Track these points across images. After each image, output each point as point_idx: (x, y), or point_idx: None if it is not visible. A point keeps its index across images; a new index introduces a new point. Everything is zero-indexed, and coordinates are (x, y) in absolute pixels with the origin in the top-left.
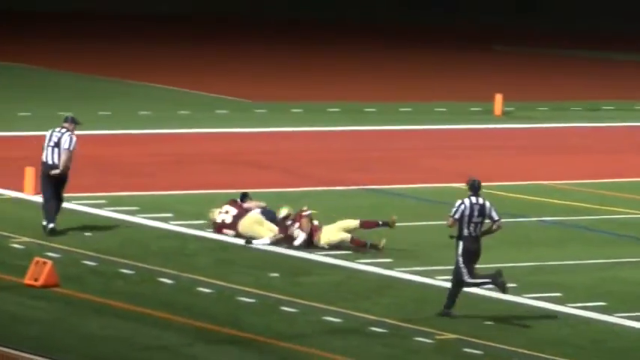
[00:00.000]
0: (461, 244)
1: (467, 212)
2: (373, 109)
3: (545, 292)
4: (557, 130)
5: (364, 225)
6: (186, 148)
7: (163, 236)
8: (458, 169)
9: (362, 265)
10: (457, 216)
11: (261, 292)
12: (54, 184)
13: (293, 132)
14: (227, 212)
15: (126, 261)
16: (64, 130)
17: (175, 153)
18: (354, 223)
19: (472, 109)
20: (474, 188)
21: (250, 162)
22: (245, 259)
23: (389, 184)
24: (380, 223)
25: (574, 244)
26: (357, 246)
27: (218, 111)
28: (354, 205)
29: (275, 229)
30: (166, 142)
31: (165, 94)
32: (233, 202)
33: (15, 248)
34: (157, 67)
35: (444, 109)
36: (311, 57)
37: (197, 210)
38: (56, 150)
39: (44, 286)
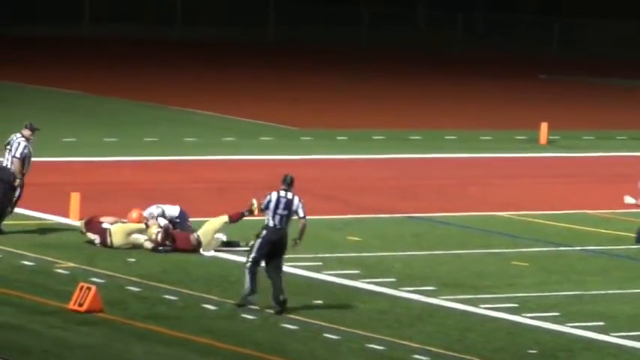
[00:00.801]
0: (264, 232)
1: (272, 204)
2: (418, 137)
3: (589, 322)
4: (603, 158)
5: (232, 218)
6: (230, 174)
7: (207, 263)
8: (503, 198)
9: (405, 293)
10: (263, 207)
11: (305, 319)
12: (6, 188)
13: (338, 159)
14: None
15: (169, 287)
16: (18, 135)
17: (219, 180)
18: (224, 218)
19: (517, 137)
20: (286, 182)
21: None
22: (289, 285)
23: (434, 212)
24: (245, 212)
25: (618, 273)
26: (235, 219)
27: (262, 138)
28: (397, 233)
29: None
30: (210, 168)
31: (210, 121)
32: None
33: (60, 273)
34: (202, 93)
35: (490, 137)
36: (355, 83)
37: (240, 235)
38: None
39: (88, 311)
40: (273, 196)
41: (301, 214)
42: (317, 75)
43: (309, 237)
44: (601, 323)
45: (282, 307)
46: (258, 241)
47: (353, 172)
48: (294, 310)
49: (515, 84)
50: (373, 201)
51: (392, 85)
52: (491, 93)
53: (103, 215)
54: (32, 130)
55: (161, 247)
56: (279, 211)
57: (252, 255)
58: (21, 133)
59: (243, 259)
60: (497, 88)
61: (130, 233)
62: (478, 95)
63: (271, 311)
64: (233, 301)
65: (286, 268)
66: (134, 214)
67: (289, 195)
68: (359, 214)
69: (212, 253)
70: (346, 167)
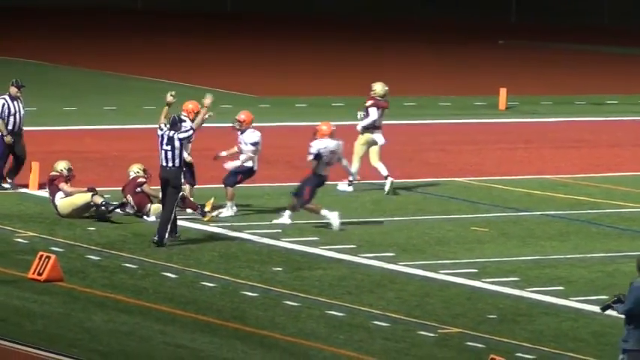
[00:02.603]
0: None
1: (159, 140)
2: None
3: (548, 286)
4: (562, 124)
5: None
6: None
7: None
8: (462, 164)
9: (365, 260)
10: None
11: (265, 287)
12: None
13: (297, 126)
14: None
15: (129, 255)
16: (3, 95)
17: None
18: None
19: (476, 103)
20: (171, 123)
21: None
22: (249, 253)
23: (393, 179)
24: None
25: (577, 238)
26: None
27: (222, 105)
28: (357, 200)
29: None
30: None
31: (170, 89)
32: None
33: (19, 243)
34: (163, 62)
35: (449, 104)
36: (315, 51)
37: (201, 203)
38: None
39: (48, 281)
40: (161, 132)
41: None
42: (273, 43)
43: (270, 205)
44: (560, 288)
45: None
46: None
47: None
48: (254, 277)
49: (473, 50)
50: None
51: (348, 51)
52: (450, 59)
53: (64, 182)
54: (18, 87)
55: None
56: (164, 146)
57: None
58: (8, 92)
59: (206, 227)
60: (456, 54)
61: (76, 207)
62: (436, 61)
63: (229, 278)
64: (194, 269)
65: (245, 235)
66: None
67: (171, 133)
68: None
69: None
70: (305, 134)
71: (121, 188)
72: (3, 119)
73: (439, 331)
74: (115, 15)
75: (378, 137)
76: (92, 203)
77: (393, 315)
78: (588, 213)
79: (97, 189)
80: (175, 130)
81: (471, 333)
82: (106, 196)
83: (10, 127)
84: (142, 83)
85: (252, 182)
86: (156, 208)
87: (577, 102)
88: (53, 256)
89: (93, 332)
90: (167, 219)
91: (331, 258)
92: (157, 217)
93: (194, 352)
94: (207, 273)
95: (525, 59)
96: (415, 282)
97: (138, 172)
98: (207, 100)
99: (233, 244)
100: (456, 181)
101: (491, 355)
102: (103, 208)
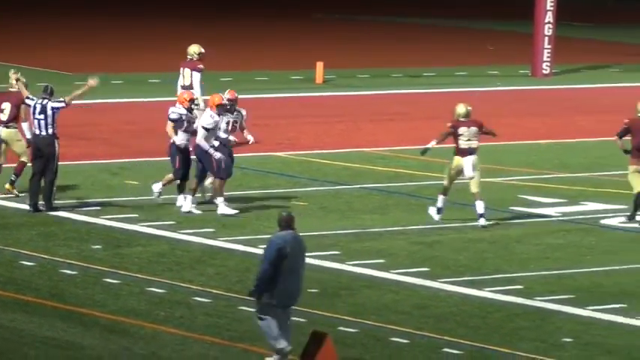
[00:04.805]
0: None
1: (32, 110)
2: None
3: (369, 259)
4: (378, 97)
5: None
6: None
7: None
8: (279, 138)
9: (185, 236)
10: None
11: (84, 264)
12: None
13: (113, 103)
14: None
15: None
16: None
17: None
18: None
19: (293, 77)
20: (45, 92)
21: (70, 134)
22: (67, 231)
23: None
24: None
25: (397, 210)
26: None
27: (38, 84)
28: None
29: None
30: None
31: None
32: None
33: None
34: None
35: (266, 78)
36: (126, 27)
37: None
38: None
39: None
40: (32, 102)
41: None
42: (80, 20)
43: (86, 182)
44: (381, 260)
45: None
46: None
47: (129, 116)
48: (72, 255)
49: (289, 24)
50: (151, 145)
51: (152, 27)
52: (267, 33)
53: None
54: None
55: None
56: (37, 115)
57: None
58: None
59: (26, 205)
60: (272, 28)
61: None
62: (252, 36)
63: (47, 256)
64: (13, 248)
65: (63, 214)
66: None
67: (45, 102)
68: (136, 158)
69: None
70: (122, 111)
71: None
72: None
73: None
74: None
75: None
76: None
77: (214, 291)
78: (407, 185)
79: None
80: (49, 100)
81: (293, 307)
82: None
83: None
84: None
85: (73, 159)
86: None
87: (393, 74)
88: None
89: None
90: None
91: (151, 235)
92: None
93: (14, 332)
94: (26, 252)
95: (341, 33)
96: (235, 257)
97: None
98: (92, 81)
99: (52, 223)
100: (273, 155)
101: (313, 329)
102: None
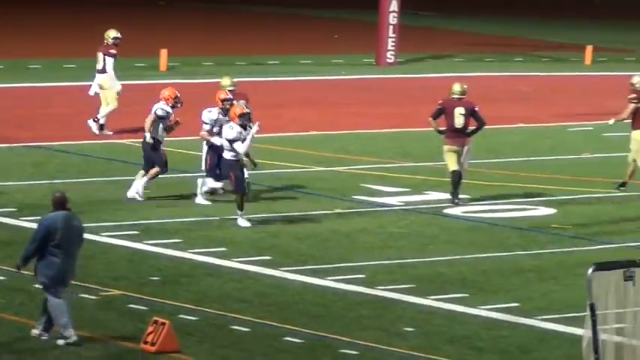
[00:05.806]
0: None
1: None
2: (38, 65)
3: (211, 248)
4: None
5: None
6: None
7: None
8: (124, 126)
9: (26, 223)
10: None
11: None
12: None
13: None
14: None
15: None
16: None
17: None
18: None
19: (137, 64)
20: None
21: None
22: None
23: (54, 141)
24: None
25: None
26: None
27: None
28: (17, 163)
29: None
30: None
31: None
32: None
33: None
34: None
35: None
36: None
37: None
38: None
39: None
40: None
41: None
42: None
43: None
44: (223, 249)
45: None
46: None
47: None
48: None
49: (133, 10)
50: None
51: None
52: (112, 19)
53: None
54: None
55: None
56: None
57: None
58: None
59: None
60: (118, 14)
61: None
62: (96, 22)
63: None
64: None
65: None
66: None
67: None
68: None
69: None
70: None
71: None
72: None
73: (101, 293)
74: None
75: None
76: None
77: None
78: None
79: None
80: None
81: (134, 295)
82: None
83: None
84: None
85: None
86: None
87: (238, 62)
88: None
89: None
90: None
91: None
92: None
93: None
94: None
95: (186, 20)
96: None
97: None
98: None
99: None
100: (117, 143)
101: (154, 317)
102: None
